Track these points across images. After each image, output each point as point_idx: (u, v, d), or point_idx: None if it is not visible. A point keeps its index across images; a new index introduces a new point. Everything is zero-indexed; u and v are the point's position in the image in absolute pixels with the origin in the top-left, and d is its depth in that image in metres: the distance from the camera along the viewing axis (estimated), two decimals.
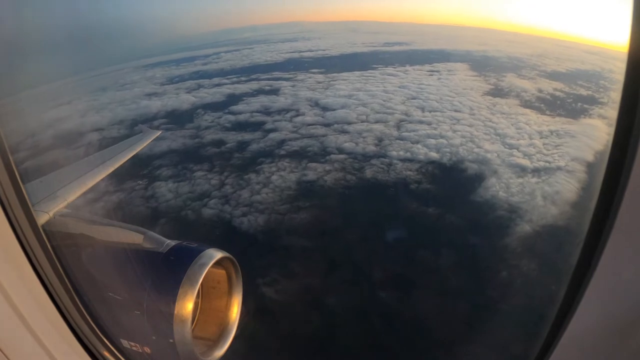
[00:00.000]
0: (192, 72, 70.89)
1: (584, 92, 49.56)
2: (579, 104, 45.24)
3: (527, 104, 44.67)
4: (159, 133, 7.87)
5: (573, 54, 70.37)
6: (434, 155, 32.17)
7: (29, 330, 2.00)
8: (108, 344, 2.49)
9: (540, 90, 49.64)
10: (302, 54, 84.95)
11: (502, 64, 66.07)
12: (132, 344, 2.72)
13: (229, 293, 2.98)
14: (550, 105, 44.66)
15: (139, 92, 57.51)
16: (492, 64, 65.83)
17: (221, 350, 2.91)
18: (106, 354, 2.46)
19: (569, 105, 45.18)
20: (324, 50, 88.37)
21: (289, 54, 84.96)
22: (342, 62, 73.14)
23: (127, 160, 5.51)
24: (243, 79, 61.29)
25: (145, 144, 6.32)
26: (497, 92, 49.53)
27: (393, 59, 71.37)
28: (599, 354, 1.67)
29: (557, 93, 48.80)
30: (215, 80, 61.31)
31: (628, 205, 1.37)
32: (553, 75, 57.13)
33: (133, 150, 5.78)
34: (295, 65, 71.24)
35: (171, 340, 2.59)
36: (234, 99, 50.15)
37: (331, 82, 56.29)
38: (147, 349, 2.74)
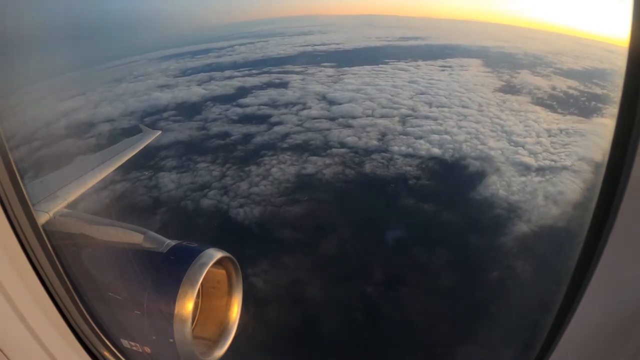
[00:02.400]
0: (205, 65, 71.05)
1: (599, 90, 48.18)
2: (593, 102, 44.01)
3: (538, 102, 43.68)
4: (158, 133, 7.90)
5: (592, 52, 68.33)
6: (436, 151, 31.91)
7: (29, 330, 2.02)
8: (108, 344, 2.51)
9: (553, 88, 48.44)
10: (315, 47, 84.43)
11: (518, 61, 64.60)
12: (132, 344, 2.75)
13: (229, 293, 3.00)
14: (563, 103, 43.56)
15: (152, 83, 58.04)
16: (508, 61, 64.41)
17: (221, 350, 2.93)
18: (106, 354, 2.48)
19: (582, 103, 44.03)
20: (337, 44, 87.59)
21: (303, 48, 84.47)
22: (354, 56, 72.57)
23: (127, 160, 5.56)
24: (254, 72, 61.23)
25: (145, 144, 6.37)
26: (509, 89, 48.52)
27: (406, 54, 70.40)
28: (599, 354, 1.69)
29: (571, 91, 47.52)
30: (227, 73, 61.30)
31: (628, 205, 1.39)
32: (569, 73, 55.58)
33: (133, 150, 5.85)
34: (308, 58, 70.77)
35: (171, 340, 2.60)
36: (243, 91, 50.32)
37: (341, 76, 55.96)
38: (147, 349, 2.76)
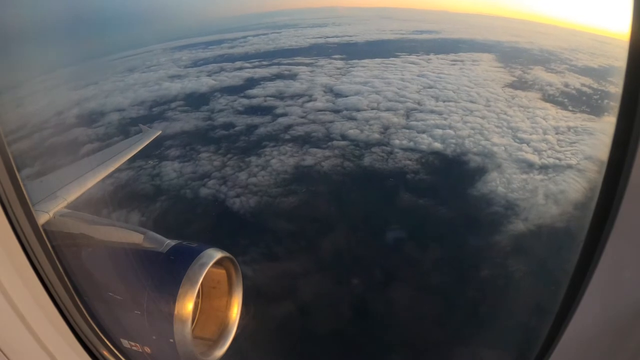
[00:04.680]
0: (217, 56, 71.18)
1: (613, 89, 46.89)
2: (606, 101, 42.85)
3: (549, 99, 42.71)
4: (159, 133, 8.06)
5: (609, 49, 66.12)
6: (437, 145, 31.62)
7: (29, 330, 2.01)
8: (108, 344, 2.51)
9: (566, 85, 47.23)
10: (327, 39, 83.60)
11: (532, 56, 63.01)
12: (132, 344, 2.77)
13: (229, 293, 3.03)
14: (574, 100, 42.43)
15: (163, 74, 58.48)
16: (521, 56, 62.94)
17: (221, 350, 2.96)
18: (106, 354, 2.47)
19: (594, 102, 42.87)
20: (350, 36, 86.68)
21: (315, 39, 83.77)
22: (366, 48, 71.99)
23: (127, 160, 5.66)
24: (265, 63, 61.18)
25: (145, 144, 6.45)
26: (520, 85, 47.47)
27: (418, 47, 69.49)
28: (599, 354, 1.68)
29: (584, 89, 46.24)
30: (238, 64, 61.37)
31: (628, 205, 1.38)
32: (583, 71, 54.08)
33: (133, 150, 5.93)
34: (319, 50, 70.26)
35: (171, 340, 2.63)
36: (251, 83, 50.42)
37: (350, 68, 55.58)
38: (147, 349, 2.78)
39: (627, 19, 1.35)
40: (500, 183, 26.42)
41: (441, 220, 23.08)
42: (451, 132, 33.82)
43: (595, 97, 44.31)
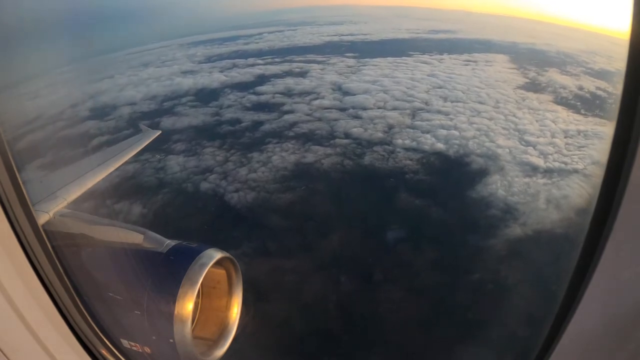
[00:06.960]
0: (231, 52, 71.20)
1: None
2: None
3: (561, 101, 41.69)
4: (158, 133, 8.05)
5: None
6: (440, 146, 31.23)
7: (29, 330, 2.03)
8: (108, 343, 2.52)
9: (580, 88, 46.07)
10: (342, 37, 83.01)
11: (547, 58, 61.59)
12: (132, 344, 2.81)
13: (229, 293, 3.06)
14: (587, 104, 41.33)
15: (177, 69, 58.97)
16: (537, 58, 61.45)
17: (221, 350, 3.00)
18: (106, 353, 2.48)
19: (608, 106, 41.53)
20: (365, 34, 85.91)
21: (330, 37, 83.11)
22: (379, 47, 71.19)
23: (127, 160, 5.70)
24: (277, 60, 61.08)
25: (145, 144, 6.52)
26: (532, 87, 46.48)
27: (432, 47, 68.51)
28: (599, 354, 1.69)
29: (599, 92, 45.02)
30: (250, 60, 61.47)
31: (628, 205, 1.39)
32: (600, 74, 52.56)
33: (133, 150, 6.00)
34: (332, 48, 69.92)
35: (171, 340, 2.68)
36: (262, 79, 50.54)
37: (361, 67, 55.20)
38: (147, 349, 2.82)
39: (627, 18, 1.33)
40: (501, 186, 25.99)
41: (437, 221, 22.88)
42: (456, 132, 33.37)
43: (609, 101, 43.06)
